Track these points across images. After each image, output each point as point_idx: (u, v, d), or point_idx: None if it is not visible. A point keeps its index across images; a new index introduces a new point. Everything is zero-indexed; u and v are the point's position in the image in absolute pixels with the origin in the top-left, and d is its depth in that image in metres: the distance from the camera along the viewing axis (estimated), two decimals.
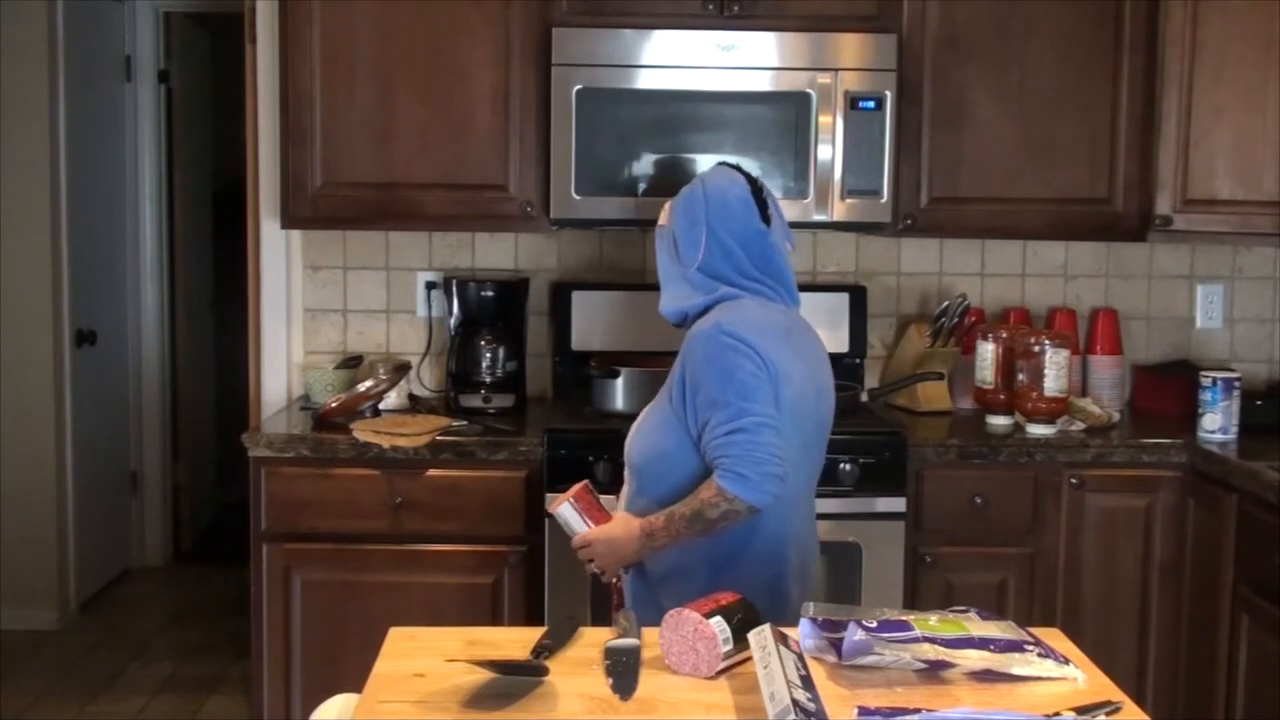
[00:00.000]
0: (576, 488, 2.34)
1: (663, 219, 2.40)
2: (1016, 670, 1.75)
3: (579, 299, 3.62)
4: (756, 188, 2.33)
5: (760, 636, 1.69)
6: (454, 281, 3.58)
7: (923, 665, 1.74)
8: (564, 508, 2.30)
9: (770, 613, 1.94)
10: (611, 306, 3.62)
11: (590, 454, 3.07)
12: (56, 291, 4.70)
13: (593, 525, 2.29)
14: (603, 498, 2.36)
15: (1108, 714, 1.64)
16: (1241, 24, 3.29)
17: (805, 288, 3.64)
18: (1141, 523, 3.23)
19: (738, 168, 2.39)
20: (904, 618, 1.81)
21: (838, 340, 3.64)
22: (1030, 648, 1.79)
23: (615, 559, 2.27)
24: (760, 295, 2.29)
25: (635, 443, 2.33)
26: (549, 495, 3.02)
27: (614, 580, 2.34)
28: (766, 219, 2.30)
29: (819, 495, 3.09)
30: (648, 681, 1.75)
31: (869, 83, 3.26)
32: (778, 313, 2.28)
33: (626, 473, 2.36)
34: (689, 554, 2.22)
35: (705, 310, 2.28)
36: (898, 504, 3.12)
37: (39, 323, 4.67)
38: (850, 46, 3.26)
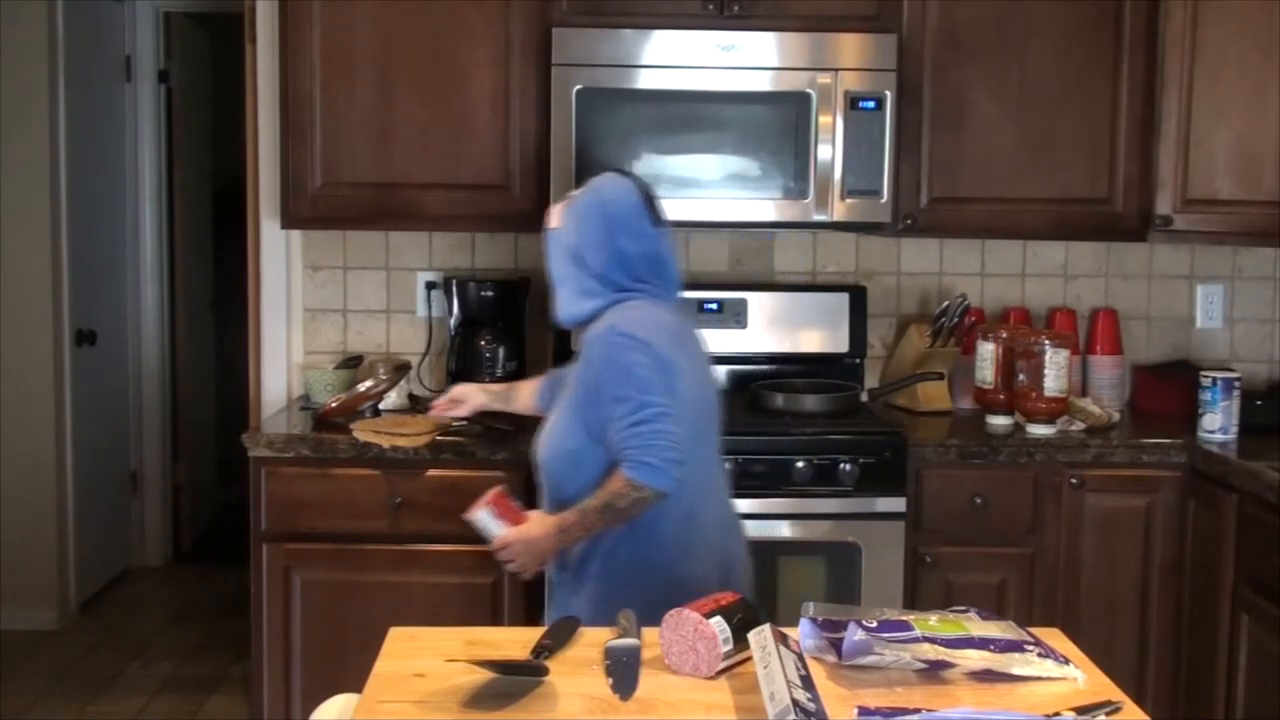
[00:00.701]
0: (491, 493, 2.43)
1: (554, 222, 2.47)
2: (1016, 670, 1.75)
3: None
4: (648, 194, 2.44)
5: (760, 636, 1.69)
6: (454, 281, 3.58)
7: (923, 665, 1.74)
8: (480, 513, 2.40)
9: (683, 596, 2.08)
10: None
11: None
12: (56, 291, 4.70)
13: (510, 527, 2.37)
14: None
15: (1108, 714, 1.64)
16: (1241, 24, 3.29)
17: (805, 288, 3.68)
18: (1141, 523, 3.23)
19: (628, 173, 2.51)
20: (904, 618, 1.81)
21: (838, 340, 3.64)
22: (1030, 648, 1.79)
23: (533, 557, 2.37)
24: (648, 295, 2.40)
25: (544, 446, 2.43)
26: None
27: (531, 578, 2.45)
28: (658, 223, 2.42)
29: (819, 495, 3.11)
30: (648, 681, 1.75)
31: (869, 83, 3.26)
32: (664, 311, 2.39)
33: (541, 477, 2.45)
34: (583, 544, 2.33)
35: (598, 314, 2.37)
36: (898, 504, 3.13)
37: (39, 323, 4.67)
38: (850, 46, 3.26)
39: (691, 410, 2.32)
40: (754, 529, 3.10)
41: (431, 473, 3.14)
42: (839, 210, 3.28)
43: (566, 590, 2.41)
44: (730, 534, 2.47)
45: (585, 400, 2.32)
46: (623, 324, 2.30)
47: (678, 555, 2.33)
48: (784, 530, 3.14)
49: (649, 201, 2.43)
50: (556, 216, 2.47)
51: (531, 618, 3.10)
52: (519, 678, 1.72)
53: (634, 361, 2.25)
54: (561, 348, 3.64)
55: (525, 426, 3.29)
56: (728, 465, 3.05)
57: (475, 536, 3.13)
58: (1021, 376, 3.31)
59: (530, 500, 3.12)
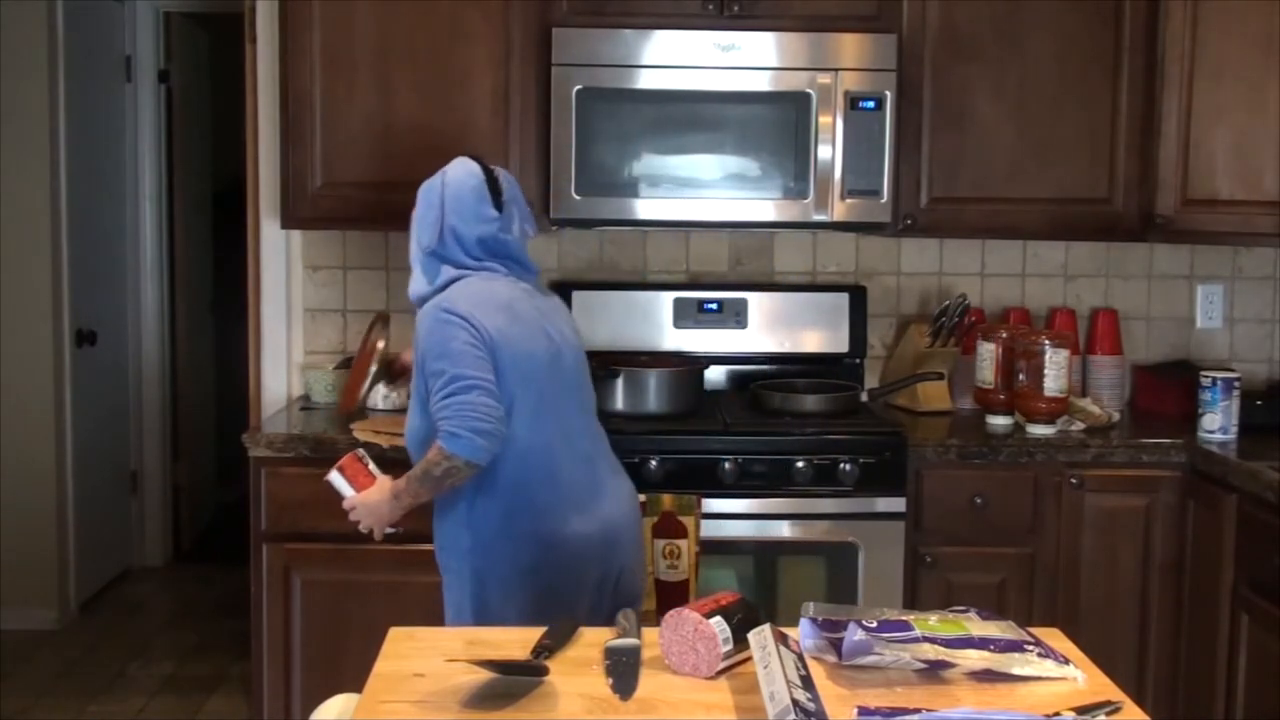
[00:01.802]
0: (345, 457, 2.59)
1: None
2: (1016, 670, 1.75)
3: (579, 299, 3.62)
4: (492, 178, 2.53)
5: (760, 636, 1.69)
6: None
7: (923, 665, 1.74)
8: (333, 474, 2.57)
9: (562, 557, 2.33)
10: (611, 306, 3.62)
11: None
12: (56, 291, 4.70)
13: (357, 490, 2.54)
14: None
15: (1108, 714, 1.64)
16: (1241, 24, 3.28)
17: (805, 288, 3.69)
18: (1141, 523, 3.23)
19: (477, 158, 2.58)
20: (904, 618, 1.81)
21: (838, 340, 3.64)
22: (1030, 648, 1.79)
23: (375, 519, 2.53)
24: (486, 271, 2.50)
25: (406, 434, 2.56)
26: None
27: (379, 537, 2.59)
28: (499, 206, 2.51)
29: (819, 495, 3.11)
30: (648, 681, 1.75)
31: (869, 83, 3.26)
32: (499, 285, 2.49)
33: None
34: (469, 513, 2.44)
35: (441, 291, 2.48)
36: (897, 504, 3.13)
37: (39, 323, 4.67)
38: (850, 46, 3.26)
39: (531, 378, 2.42)
40: (754, 529, 3.12)
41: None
42: (839, 210, 3.28)
43: (447, 571, 2.51)
44: (608, 498, 2.52)
45: (417, 375, 2.45)
46: (446, 300, 2.42)
47: (550, 517, 2.43)
48: (784, 530, 3.14)
49: (490, 184, 2.51)
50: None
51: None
52: (519, 678, 1.72)
53: (451, 335, 2.36)
54: None
55: None
56: (728, 464, 3.07)
57: None
58: (1021, 376, 3.31)
59: None
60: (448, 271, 2.49)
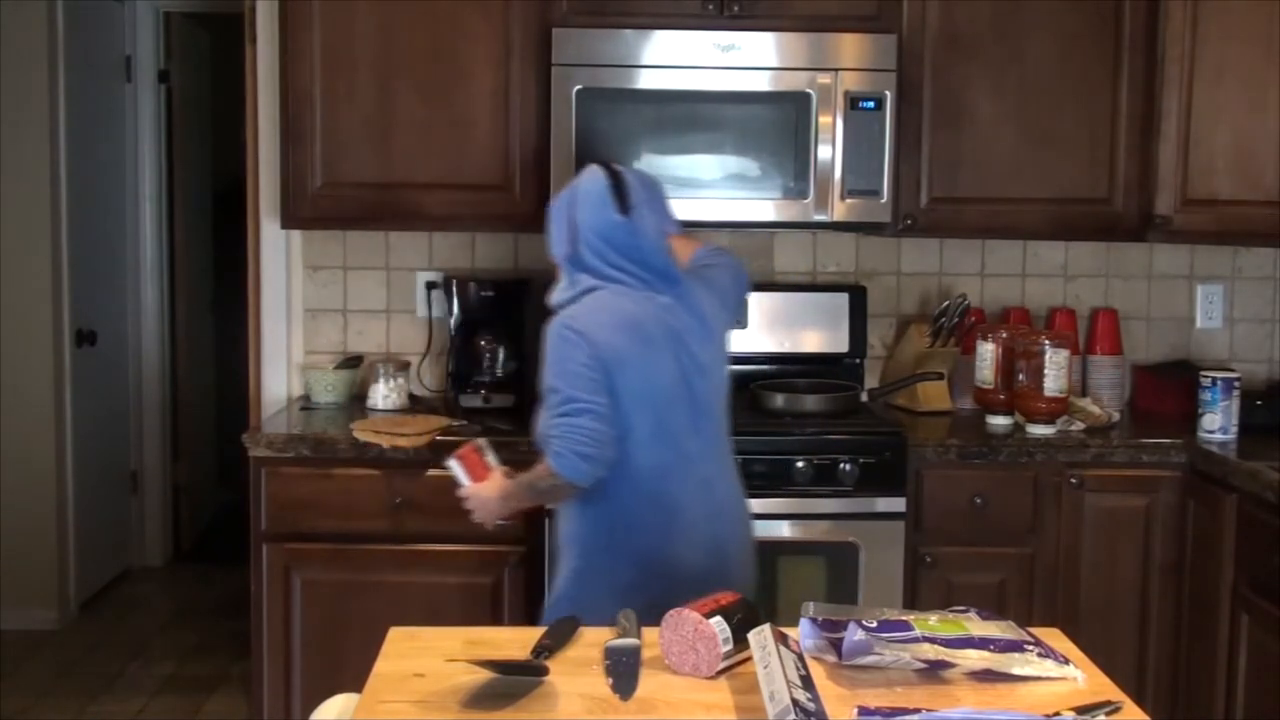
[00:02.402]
0: (465, 446, 2.60)
1: None
2: (1016, 670, 1.75)
3: None
4: (618, 181, 2.47)
5: (760, 636, 1.68)
6: (454, 281, 3.58)
7: (923, 665, 1.74)
8: (451, 462, 2.59)
9: (664, 577, 2.32)
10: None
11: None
12: (56, 291, 4.70)
13: (472, 481, 2.55)
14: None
15: (1108, 714, 1.64)
16: (1241, 24, 3.29)
17: (805, 288, 3.68)
18: (1141, 523, 3.23)
19: (607, 165, 2.53)
20: (904, 618, 1.81)
21: (838, 340, 3.64)
22: (1030, 648, 1.79)
23: (485, 513, 2.57)
24: (621, 284, 2.44)
25: (537, 428, 2.52)
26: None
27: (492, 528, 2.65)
28: (626, 209, 2.44)
29: (819, 495, 3.11)
30: (648, 681, 1.75)
31: (869, 83, 3.26)
32: (631, 302, 2.42)
33: None
34: (579, 521, 2.46)
35: (576, 301, 2.45)
36: (897, 504, 3.13)
37: (39, 323, 4.67)
38: (850, 46, 3.26)
39: (649, 402, 2.38)
40: (754, 529, 3.11)
41: (431, 473, 3.14)
42: (839, 210, 3.28)
43: (560, 568, 2.51)
44: (722, 522, 2.50)
45: (542, 384, 2.44)
46: (569, 315, 2.40)
47: (656, 539, 2.41)
48: (784, 530, 3.14)
49: (616, 189, 2.46)
50: None
51: (531, 618, 3.10)
52: (519, 678, 1.72)
53: (569, 355, 2.35)
54: None
55: (524, 427, 3.29)
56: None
57: (475, 536, 3.15)
58: (1021, 376, 3.31)
59: None
60: (584, 280, 2.45)
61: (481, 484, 2.54)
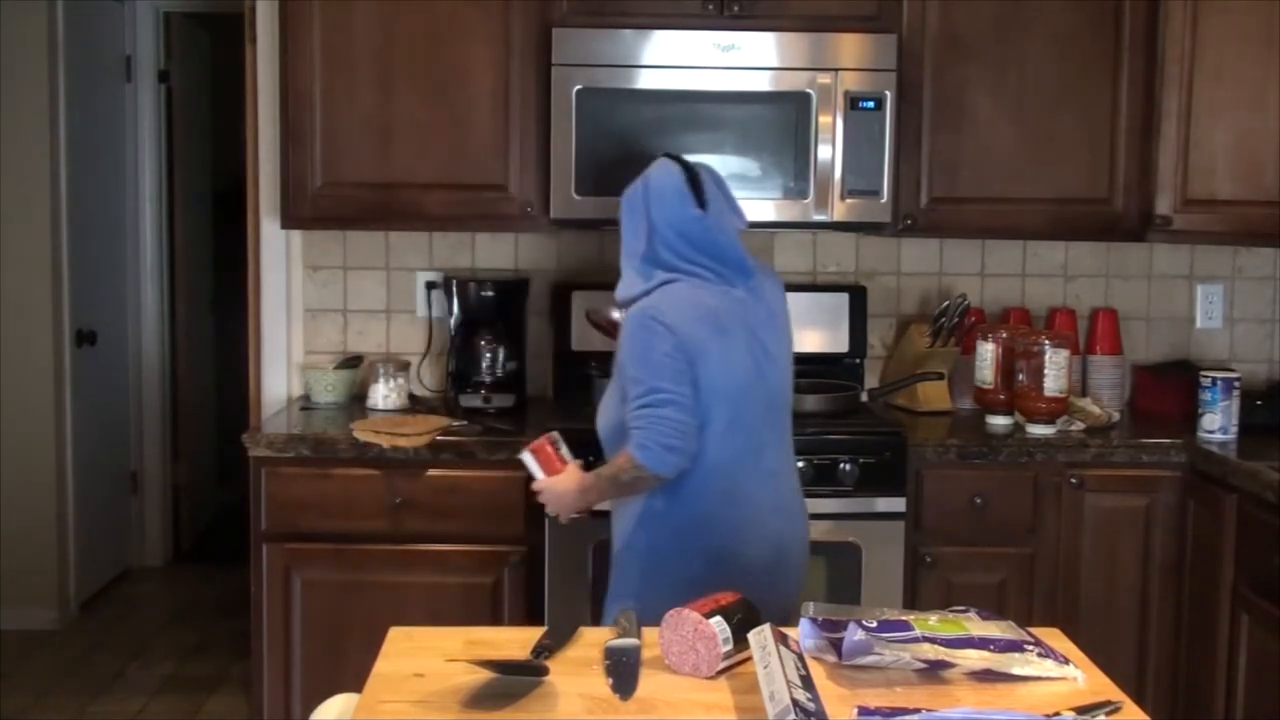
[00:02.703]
0: (540, 439, 2.57)
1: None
2: (1016, 670, 1.75)
3: (579, 299, 3.62)
4: (692, 175, 2.47)
5: (760, 636, 1.69)
6: (454, 281, 3.58)
7: (923, 665, 1.74)
8: (525, 455, 2.57)
9: (733, 572, 2.23)
10: (611, 307, 3.61)
11: (590, 454, 3.06)
12: (56, 291, 4.70)
13: (546, 475, 2.53)
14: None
15: (1108, 714, 1.64)
16: (1241, 24, 3.29)
17: (805, 288, 3.68)
18: (1141, 523, 3.23)
19: (677, 157, 2.52)
20: (904, 618, 1.81)
21: (838, 340, 3.64)
22: (1030, 648, 1.79)
23: (559, 506, 2.53)
24: (697, 278, 2.42)
25: (599, 418, 2.54)
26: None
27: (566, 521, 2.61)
28: (702, 204, 2.44)
29: (819, 495, 3.11)
30: (648, 681, 1.75)
31: (869, 83, 3.26)
32: (709, 294, 2.41)
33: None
34: (635, 522, 2.44)
35: (649, 295, 2.43)
36: (898, 504, 3.13)
37: (39, 323, 4.67)
38: (850, 46, 3.26)
39: (726, 396, 2.37)
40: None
41: (431, 473, 3.14)
42: (839, 210, 3.28)
43: (617, 568, 2.50)
44: (786, 518, 2.50)
45: (619, 375, 2.43)
46: (652, 306, 2.37)
47: (727, 536, 2.39)
48: None
49: (692, 183, 2.45)
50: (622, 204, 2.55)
51: (531, 618, 3.10)
52: (519, 678, 1.72)
53: (653, 345, 2.33)
54: (562, 347, 3.64)
55: (524, 428, 3.29)
56: None
57: (475, 536, 3.16)
58: (1021, 376, 3.31)
59: (531, 501, 3.13)
60: (659, 275, 2.44)
61: (557, 477, 2.51)
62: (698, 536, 2.40)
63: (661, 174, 2.48)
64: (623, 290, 2.51)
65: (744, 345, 2.42)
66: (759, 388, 2.43)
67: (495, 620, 3.14)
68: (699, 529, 2.40)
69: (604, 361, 3.27)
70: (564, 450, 2.56)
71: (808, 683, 1.60)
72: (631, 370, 2.36)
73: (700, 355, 2.34)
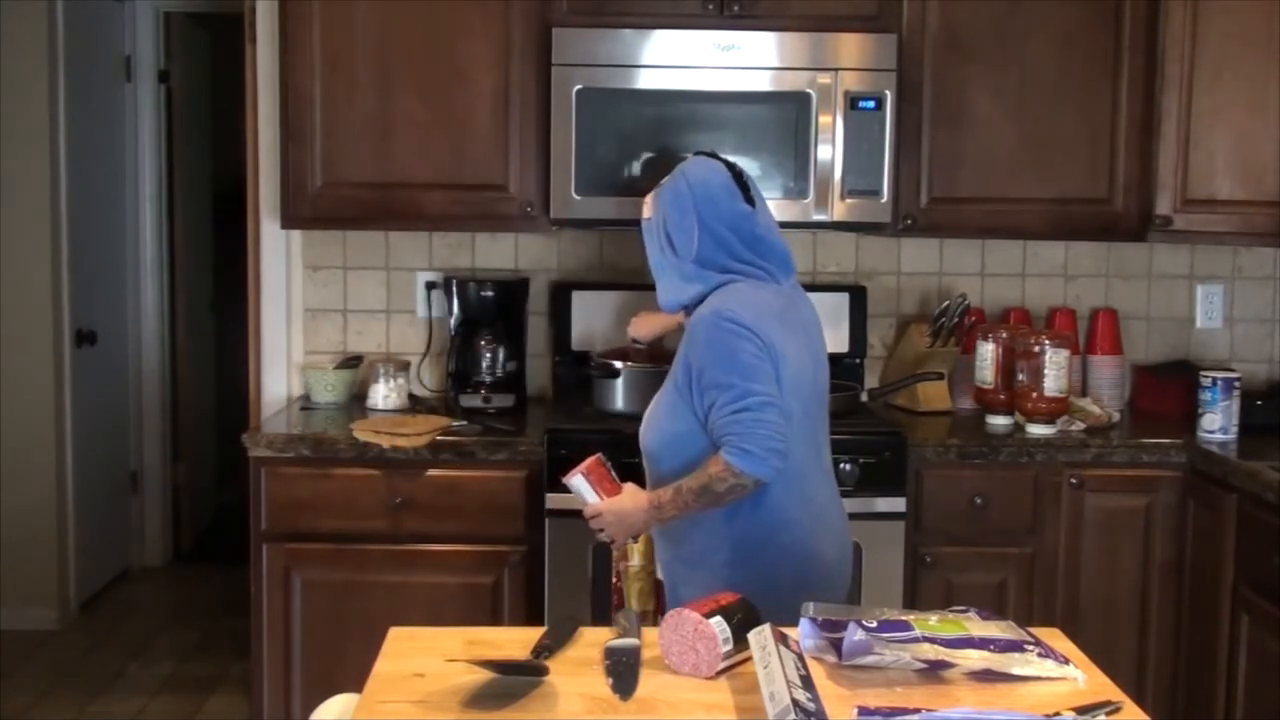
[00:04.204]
0: (590, 460, 2.43)
1: (647, 212, 2.47)
2: (1016, 670, 1.75)
3: (579, 299, 3.62)
4: (736, 172, 2.41)
5: (760, 636, 1.69)
6: (454, 281, 3.58)
7: (923, 665, 1.74)
8: (576, 479, 2.41)
9: (818, 572, 2.26)
10: (611, 306, 3.62)
11: (591, 454, 3.07)
12: (56, 291, 4.70)
13: (604, 497, 2.39)
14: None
15: (1108, 714, 1.64)
16: (1241, 24, 3.29)
17: (805, 288, 3.65)
18: (1141, 523, 3.23)
19: (714, 154, 2.47)
20: (904, 618, 1.81)
21: (838, 340, 3.64)
22: (1030, 648, 1.79)
23: (623, 530, 2.40)
24: (752, 278, 2.37)
25: (648, 430, 2.43)
26: (559, 485, 3.03)
27: (621, 549, 2.52)
28: (750, 201, 2.39)
29: None
30: (648, 681, 1.75)
31: (869, 83, 3.26)
32: (769, 293, 2.36)
33: (644, 461, 2.46)
34: (708, 532, 2.34)
35: (703, 298, 2.35)
36: (898, 504, 3.12)
37: (39, 323, 4.67)
38: (850, 46, 3.26)
39: (799, 394, 2.32)
40: None
41: (431, 473, 3.14)
42: (839, 210, 3.28)
43: (688, 584, 2.34)
44: (842, 515, 2.48)
45: (689, 383, 2.30)
46: (725, 308, 2.27)
47: (805, 535, 2.35)
48: None
49: (738, 179, 2.39)
50: (648, 206, 2.46)
51: (531, 618, 3.10)
52: (519, 678, 1.72)
53: (739, 348, 2.23)
54: (562, 347, 3.64)
55: (524, 427, 3.30)
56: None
57: (475, 536, 3.16)
58: (1021, 376, 3.31)
59: (531, 500, 3.13)
60: (713, 277, 2.35)
61: (618, 498, 2.38)
62: (787, 539, 2.33)
63: (706, 171, 2.40)
64: (671, 296, 2.42)
65: (806, 344, 2.38)
66: (815, 386, 2.40)
67: (495, 620, 3.14)
68: (784, 531, 2.33)
69: (604, 360, 3.28)
70: (613, 471, 2.43)
71: (808, 683, 1.60)
72: (714, 375, 2.24)
73: (781, 355, 2.27)
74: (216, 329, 6.24)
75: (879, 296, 3.76)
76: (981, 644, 1.77)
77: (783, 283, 2.41)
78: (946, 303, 3.51)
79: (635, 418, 3.18)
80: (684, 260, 2.37)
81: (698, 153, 2.50)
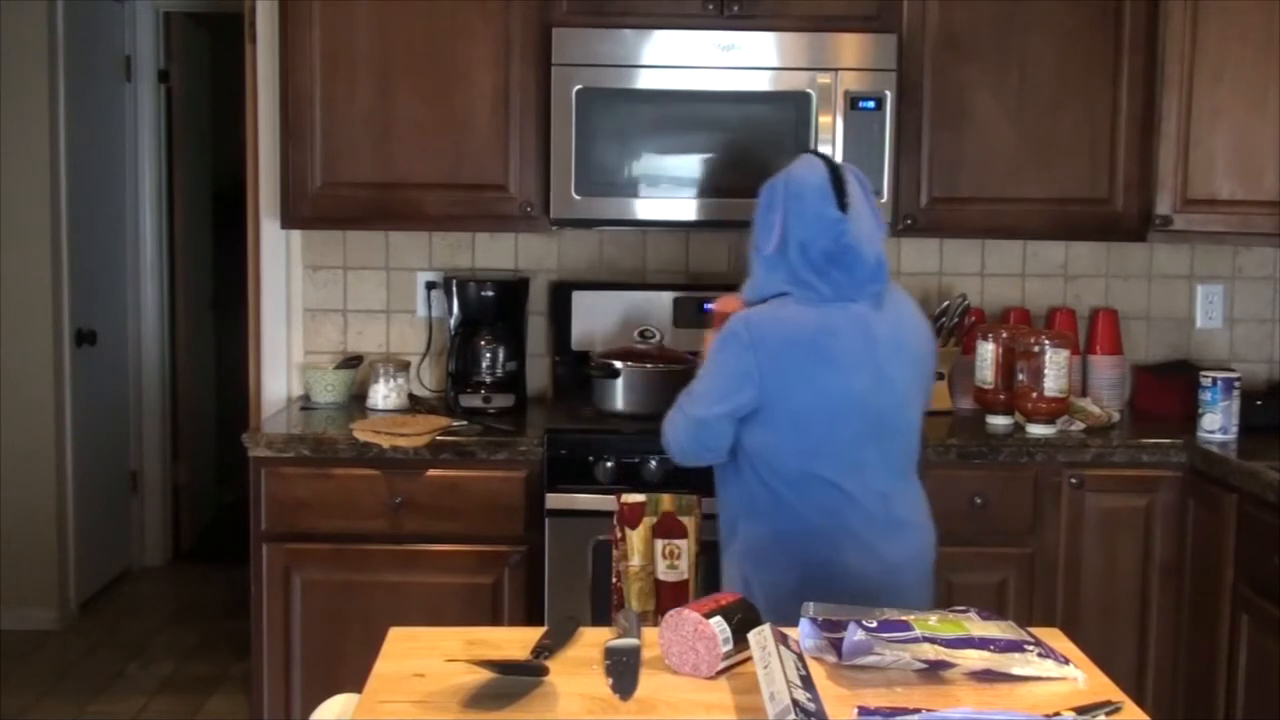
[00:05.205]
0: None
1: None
2: (1016, 670, 1.75)
3: (579, 299, 3.62)
4: (837, 175, 2.37)
5: (760, 636, 1.69)
6: (454, 281, 3.58)
7: (923, 665, 1.74)
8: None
9: (829, 587, 2.25)
10: (611, 306, 3.62)
11: (590, 454, 3.07)
12: (56, 291, 4.70)
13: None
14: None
15: (1108, 714, 1.64)
16: (1241, 24, 3.29)
17: None
18: (1141, 523, 3.23)
19: (823, 155, 2.46)
20: (904, 618, 1.81)
21: None
22: (1030, 648, 1.79)
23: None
24: (815, 293, 2.35)
25: None
26: (559, 485, 3.07)
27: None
28: (844, 206, 2.34)
29: None
30: (648, 681, 1.75)
31: (869, 83, 3.26)
32: (813, 316, 2.35)
33: None
34: (735, 518, 2.47)
35: (764, 300, 2.40)
36: None
37: (39, 323, 4.67)
38: (850, 46, 3.26)
39: (810, 415, 2.33)
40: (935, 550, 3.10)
41: (431, 473, 3.14)
42: None
43: (724, 564, 2.52)
44: (897, 538, 2.44)
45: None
46: (754, 319, 2.35)
47: (826, 544, 2.37)
48: None
49: (835, 183, 2.35)
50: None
51: (531, 618, 3.10)
52: (519, 678, 1.72)
53: (728, 357, 2.35)
54: (562, 347, 3.64)
55: (524, 427, 3.29)
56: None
57: (475, 536, 3.17)
58: (1021, 376, 3.31)
59: (531, 500, 3.13)
60: (778, 285, 2.37)
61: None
62: (796, 545, 2.37)
63: (805, 170, 2.39)
64: (749, 291, 2.45)
65: (850, 366, 2.34)
66: (859, 408, 2.35)
67: (495, 620, 3.14)
68: (796, 538, 2.37)
69: (604, 360, 3.28)
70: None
71: (808, 683, 1.60)
72: (706, 362, 2.41)
73: (780, 378, 2.31)
74: (216, 329, 6.24)
75: None
76: (981, 644, 1.77)
77: (861, 300, 2.36)
78: (947, 303, 3.51)
79: (635, 418, 3.21)
80: (760, 254, 2.40)
81: (809, 151, 2.51)
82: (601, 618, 2.95)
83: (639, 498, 2.95)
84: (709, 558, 3.02)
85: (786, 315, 2.35)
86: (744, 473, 2.42)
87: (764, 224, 2.39)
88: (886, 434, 2.42)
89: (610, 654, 1.82)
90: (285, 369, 3.75)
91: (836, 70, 3.25)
